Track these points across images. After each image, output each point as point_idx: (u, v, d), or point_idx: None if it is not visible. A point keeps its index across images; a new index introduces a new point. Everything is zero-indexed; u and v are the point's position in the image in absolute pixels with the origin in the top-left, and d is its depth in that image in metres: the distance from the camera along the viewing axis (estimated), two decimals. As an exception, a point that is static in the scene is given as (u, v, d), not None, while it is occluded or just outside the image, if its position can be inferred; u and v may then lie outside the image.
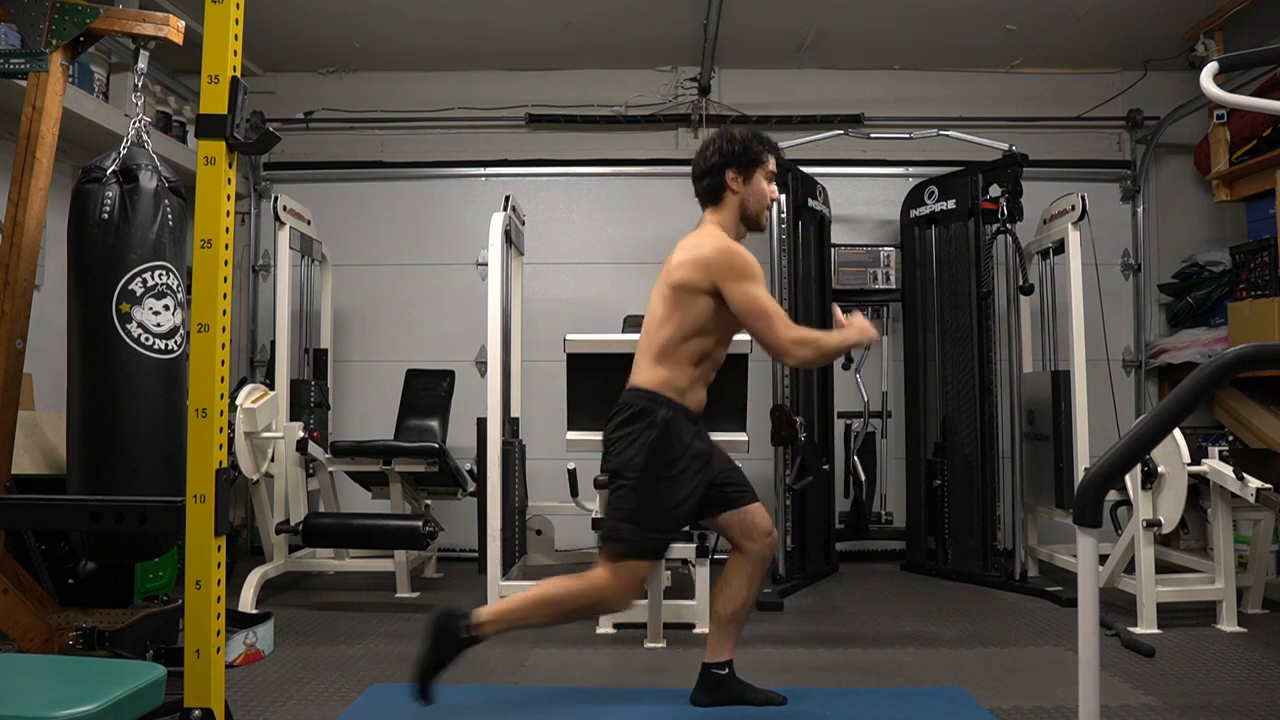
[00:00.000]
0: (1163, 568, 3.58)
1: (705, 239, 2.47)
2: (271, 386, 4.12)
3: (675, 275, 2.42)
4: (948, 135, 4.52)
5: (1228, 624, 3.42)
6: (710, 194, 2.57)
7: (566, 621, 2.48)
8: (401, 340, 5.11)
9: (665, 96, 5.18)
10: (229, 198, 1.87)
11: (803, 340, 2.42)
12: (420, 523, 3.69)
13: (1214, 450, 3.43)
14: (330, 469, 4.23)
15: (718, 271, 2.39)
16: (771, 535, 2.56)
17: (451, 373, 4.72)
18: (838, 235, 4.90)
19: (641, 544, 2.39)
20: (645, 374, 2.45)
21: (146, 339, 2.35)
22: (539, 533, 4.25)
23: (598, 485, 3.72)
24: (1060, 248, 4.22)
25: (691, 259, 2.42)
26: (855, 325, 2.51)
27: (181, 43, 2.58)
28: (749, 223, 2.58)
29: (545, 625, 2.49)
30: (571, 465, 3.67)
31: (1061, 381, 4.15)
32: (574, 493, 3.79)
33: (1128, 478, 3.42)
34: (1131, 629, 3.33)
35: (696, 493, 2.43)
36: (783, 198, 4.27)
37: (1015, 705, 2.62)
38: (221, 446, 1.84)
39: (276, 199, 4.18)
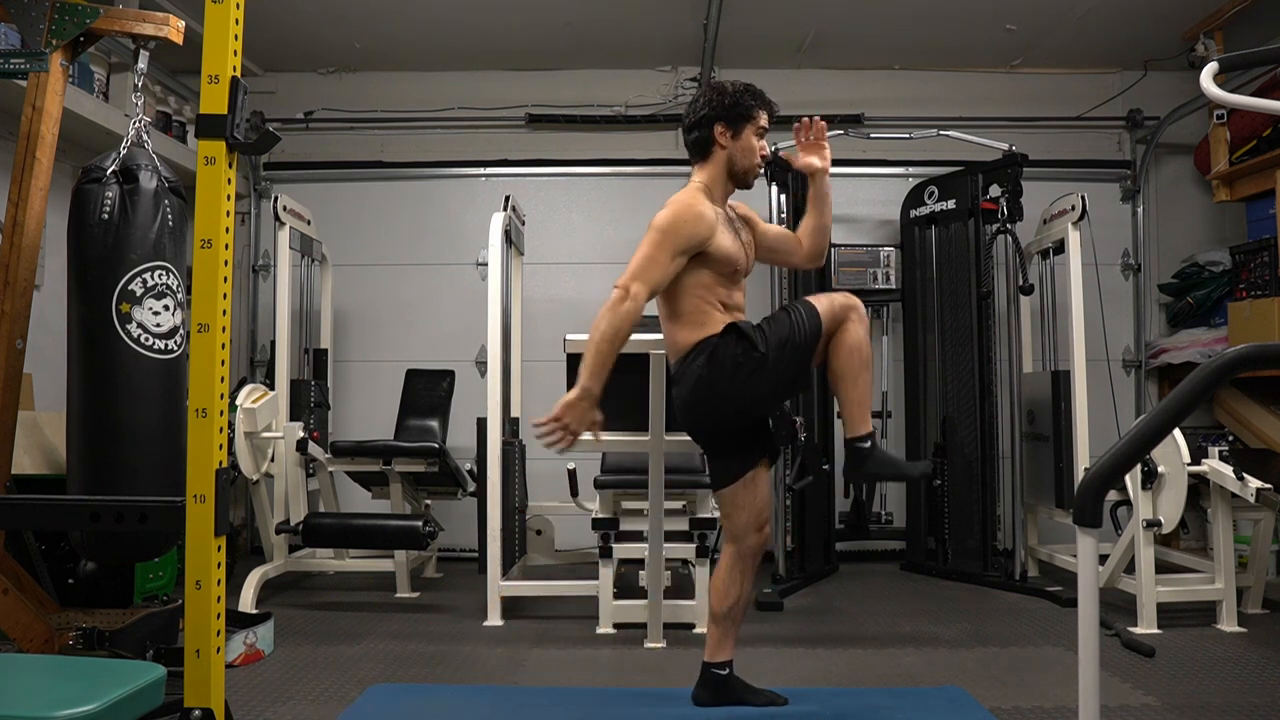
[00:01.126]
0: (1163, 568, 3.58)
1: (667, 204, 2.45)
2: (271, 386, 4.12)
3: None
4: (948, 135, 4.52)
5: (1228, 624, 3.42)
6: (698, 148, 2.52)
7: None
8: (401, 340, 5.11)
9: (665, 96, 5.17)
10: (229, 198, 1.87)
11: (625, 299, 2.34)
12: (420, 523, 3.69)
13: (1214, 450, 3.43)
14: (330, 469, 4.23)
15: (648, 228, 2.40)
16: (768, 527, 2.57)
17: (451, 373, 4.72)
18: (838, 235, 4.89)
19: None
20: (670, 349, 2.52)
21: (146, 339, 2.35)
22: (539, 533, 4.25)
23: (598, 485, 3.73)
24: (1060, 248, 4.22)
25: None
26: (569, 401, 2.33)
27: (181, 43, 2.58)
28: (736, 179, 2.53)
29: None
30: (571, 465, 3.67)
31: (1061, 381, 4.15)
32: (574, 493, 3.79)
33: (1128, 478, 3.42)
34: (1131, 629, 3.33)
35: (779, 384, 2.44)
36: (782, 198, 4.28)
37: (1015, 705, 2.62)
38: (221, 446, 1.84)
39: (276, 199, 4.18)
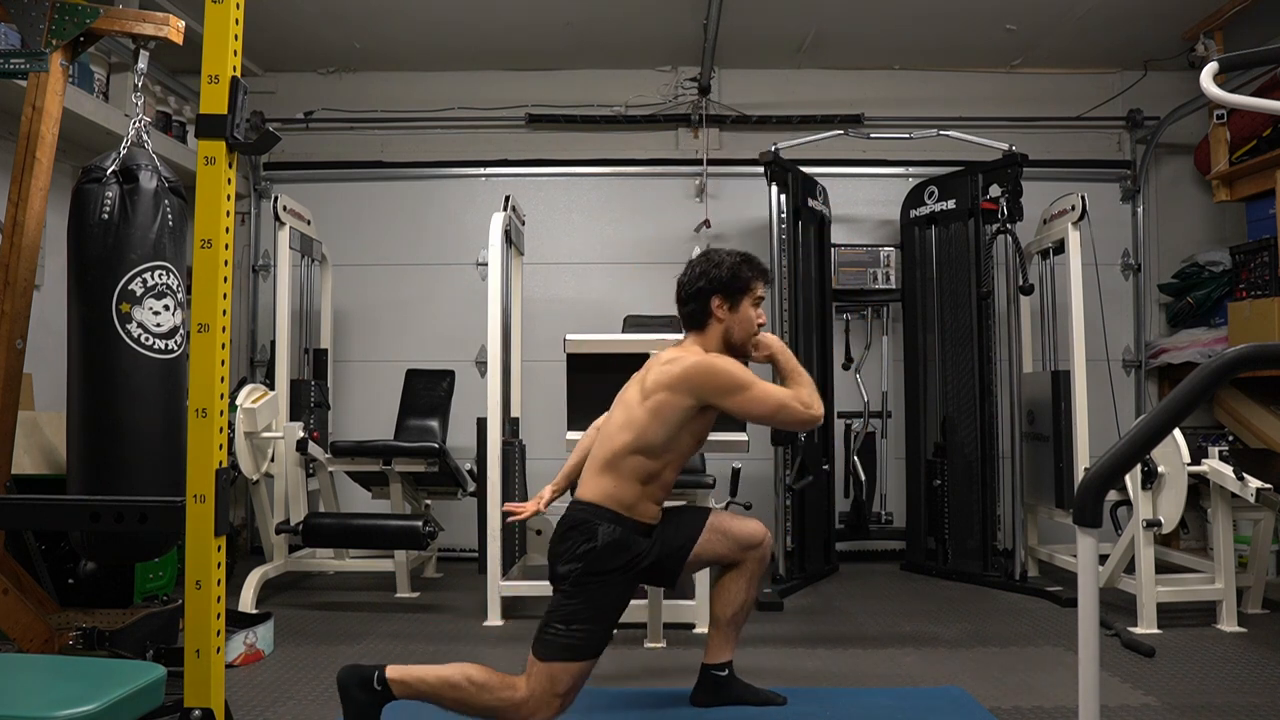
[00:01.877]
0: (1163, 568, 3.58)
1: (683, 353, 2.40)
2: (271, 386, 4.12)
3: (654, 398, 2.32)
4: (948, 135, 4.52)
5: (1228, 624, 3.42)
6: (694, 320, 2.47)
7: (477, 716, 2.20)
8: (401, 340, 5.11)
9: (665, 96, 5.17)
10: (229, 198, 1.87)
11: (806, 391, 2.38)
12: (420, 523, 3.69)
13: (1214, 450, 3.43)
14: (330, 469, 4.23)
15: (707, 388, 2.31)
16: (767, 535, 2.55)
17: (451, 373, 4.72)
18: (838, 235, 4.90)
19: (575, 645, 2.23)
20: (590, 486, 2.36)
21: (146, 339, 2.35)
22: (539, 533, 4.24)
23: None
24: (1060, 248, 4.22)
25: (672, 377, 2.32)
26: (767, 341, 2.48)
27: (181, 43, 2.58)
28: (734, 352, 2.46)
29: (453, 710, 2.20)
30: (571, 465, 3.67)
31: (1061, 381, 4.15)
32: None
33: (1128, 478, 3.41)
34: (1131, 629, 3.33)
35: (631, 595, 2.38)
36: (783, 198, 4.28)
37: (1015, 705, 2.62)
38: (221, 446, 1.84)
39: (276, 199, 4.18)
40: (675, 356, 2.39)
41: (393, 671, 2.19)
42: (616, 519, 2.31)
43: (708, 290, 2.43)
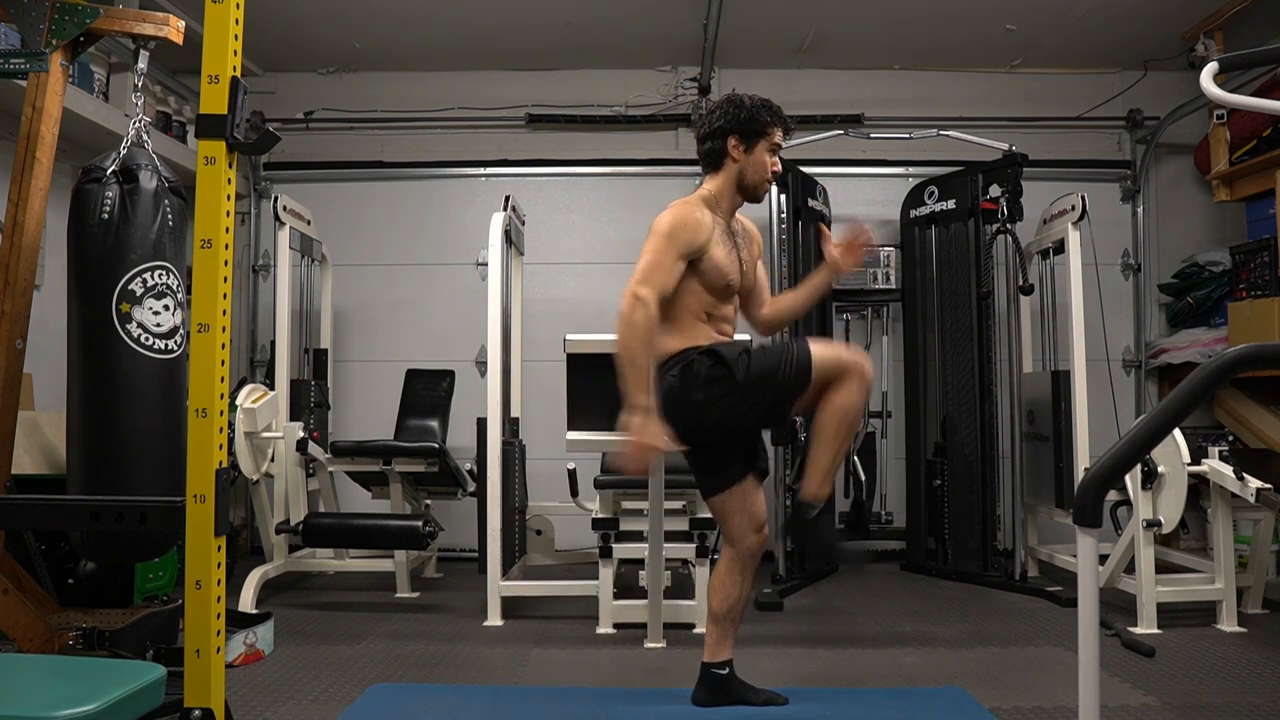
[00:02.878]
0: (1163, 568, 3.58)
1: (669, 208, 2.44)
2: (271, 386, 4.12)
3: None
4: (948, 135, 4.52)
5: (1228, 624, 3.42)
6: (710, 159, 2.52)
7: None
8: (401, 340, 5.11)
9: (665, 96, 5.17)
10: (229, 198, 1.87)
11: (637, 305, 2.27)
12: (420, 523, 3.69)
13: (1214, 450, 3.43)
14: (330, 469, 4.23)
15: (649, 233, 2.38)
16: (766, 528, 2.56)
17: (451, 373, 4.72)
18: (838, 235, 4.89)
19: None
20: (671, 342, 2.42)
21: (146, 339, 2.35)
22: (539, 533, 4.25)
23: (598, 485, 3.73)
24: (1060, 248, 4.22)
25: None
26: (634, 425, 2.30)
27: (181, 43, 2.58)
28: (746, 193, 2.53)
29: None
30: (571, 465, 3.67)
31: (1061, 381, 4.15)
32: (574, 493, 3.78)
33: (1128, 478, 3.42)
34: (1131, 629, 3.33)
35: (739, 414, 2.39)
36: (783, 198, 4.28)
37: (1015, 705, 2.62)
38: (221, 446, 1.84)
39: (276, 199, 4.18)
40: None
41: (811, 490, 2.44)
42: (677, 360, 2.38)
43: (725, 129, 2.47)
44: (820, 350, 2.34)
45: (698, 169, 2.66)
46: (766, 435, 2.84)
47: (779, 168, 2.54)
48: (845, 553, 2.80)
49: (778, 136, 2.51)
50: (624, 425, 2.28)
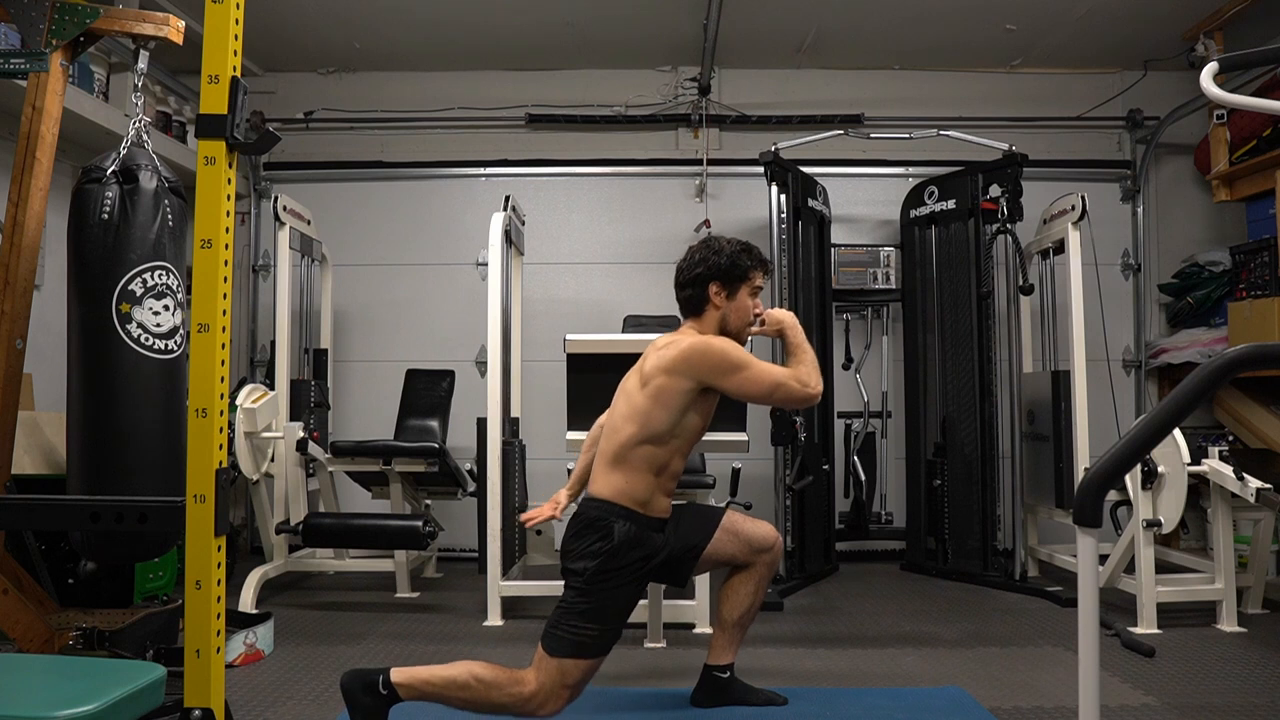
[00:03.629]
0: (1163, 568, 3.58)
1: (679, 337, 2.39)
2: (271, 386, 4.12)
3: (654, 383, 2.31)
4: (948, 135, 4.52)
5: (1228, 624, 3.42)
6: (691, 305, 2.46)
7: (486, 714, 2.21)
8: (401, 340, 5.11)
9: (665, 96, 5.17)
10: (229, 198, 1.87)
11: (805, 369, 2.36)
12: (420, 523, 3.69)
13: (1214, 450, 3.43)
14: (330, 469, 4.23)
15: (703, 369, 2.29)
16: (778, 539, 2.55)
17: (451, 373, 4.72)
18: (838, 235, 4.90)
19: (586, 642, 2.22)
20: (601, 482, 2.34)
21: (146, 339, 2.35)
22: (539, 533, 4.24)
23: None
24: (1060, 248, 4.22)
25: (670, 360, 2.30)
26: (779, 316, 2.48)
27: (181, 43, 2.58)
28: (728, 338, 2.44)
29: (462, 709, 2.21)
30: (571, 465, 3.67)
31: (1061, 381, 4.15)
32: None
33: (1128, 478, 3.41)
34: (1131, 629, 3.33)
35: (641, 593, 2.39)
36: (783, 198, 4.28)
37: (1015, 705, 2.62)
38: (221, 446, 1.84)
39: (276, 199, 4.18)
40: (672, 340, 2.38)
41: (398, 675, 2.19)
42: (630, 515, 2.30)
43: (706, 276, 2.42)
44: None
45: (697, 169, 2.66)
46: (760, 431, 2.83)
47: (761, 310, 2.49)
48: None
49: (759, 279, 2.47)
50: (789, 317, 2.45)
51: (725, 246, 2.44)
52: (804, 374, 2.35)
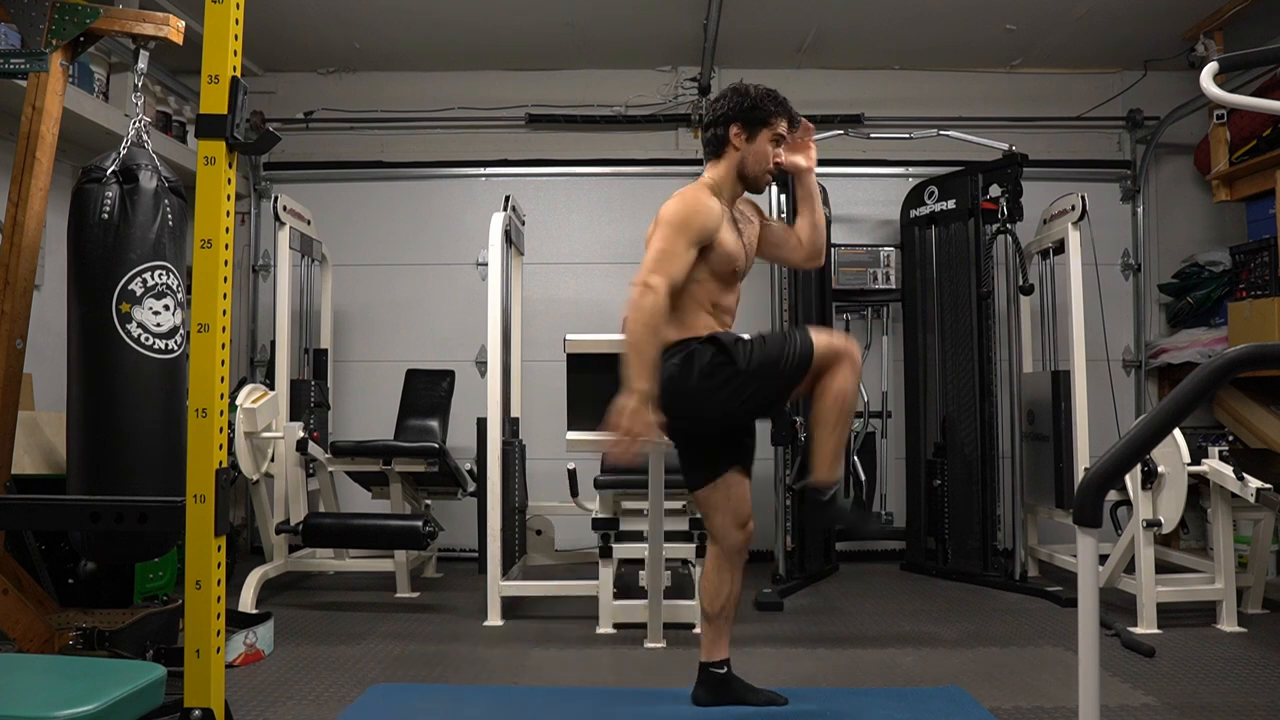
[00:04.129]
0: (1163, 568, 3.57)
1: (674, 196, 2.44)
2: (271, 386, 4.12)
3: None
4: (948, 135, 4.52)
5: (1228, 624, 3.42)
6: (712, 145, 2.52)
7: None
8: (401, 340, 5.11)
9: (665, 96, 5.17)
10: (229, 198, 1.87)
11: (646, 293, 2.26)
12: (420, 523, 3.69)
13: (1214, 450, 3.43)
14: (330, 469, 4.23)
15: (656, 223, 2.38)
16: (751, 525, 2.55)
17: (451, 373, 4.72)
18: (838, 235, 4.90)
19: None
20: (673, 333, 2.40)
21: (146, 339, 2.35)
22: (539, 533, 4.25)
23: (598, 485, 3.73)
24: (1060, 248, 4.22)
25: (657, 216, 2.41)
26: (628, 409, 2.24)
27: (181, 43, 2.58)
28: (746, 182, 2.52)
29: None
30: (571, 465, 3.67)
31: (1061, 381, 4.15)
32: (574, 493, 3.78)
33: (1128, 478, 3.41)
34: (1131, 629, 3.33)
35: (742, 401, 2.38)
36: (782, 197, 4.28)
37: (1015, 705, 2.62)
38: (221, 446, 1.84)
39: (276, 199, 4.18)
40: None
41: (821, 476, 2.40)
42: (679, 349, 2.36)
43: (728, 116, 2.46)
44: (818, 338, 2.36)
45: (698, 169, 2.66)
46: (760, 431, 2.83)
47: (782, 158, 2.52)
48: (866, 528, 2.80)
49: (781, 127, 2.49)
50: (617, 410, 2.22)
51: (752, 91, 2.48)
52: (650, 287, 2.25)
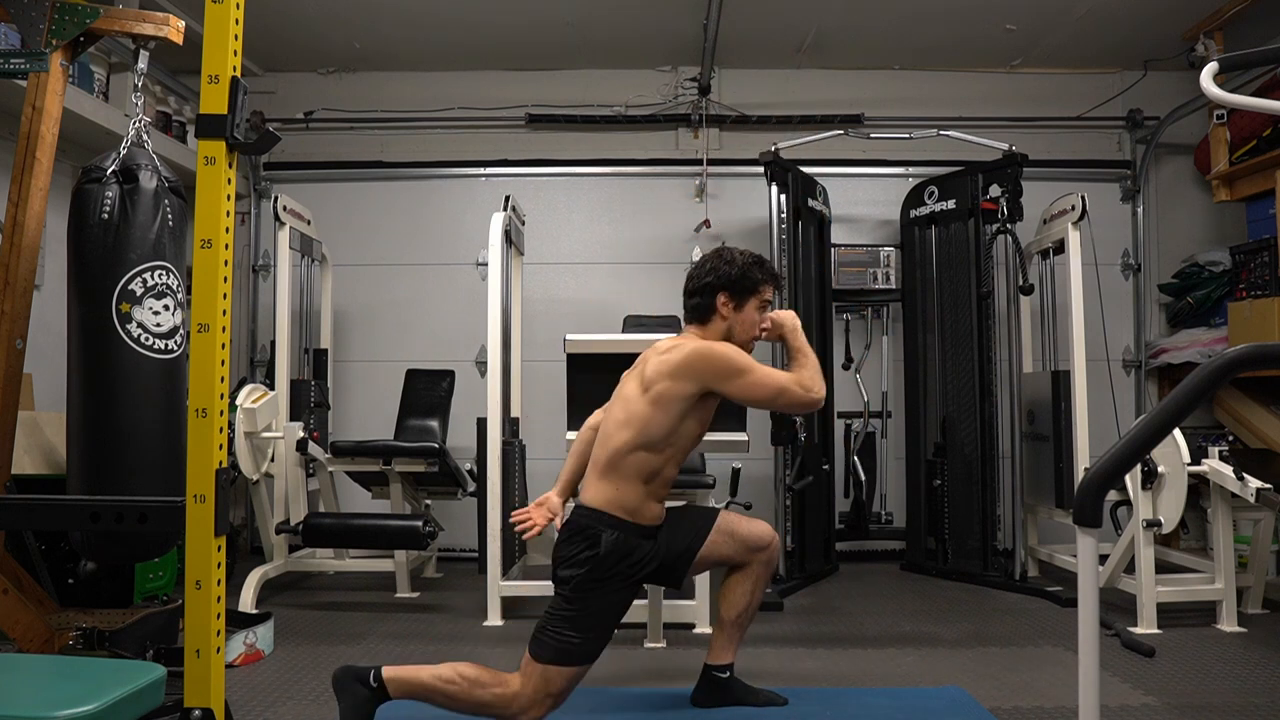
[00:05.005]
0: (1163, 568, 3.58)
1: (682, 341, 2.38)
2: (271, 386, 4.12)
3: (655, 388, 2.30)
4: (948, 135, 4.52)
5: (1228, 624, 3.42)
6: (698, 313, 2.46)
7: (469, 713, 2.22)
8: (401, 340, 5.11)
9: (665, 96, 5.17)
10: (229, 198, 1.87)
11: (808, 374, 2.36)
12: (420, 523, 3.69)
13: (1214, 450, 3.43)
14: (330, 469, 4.23)
15: (707, 373, 2.29)
16: (774, 538, 2.54)
17: (451, 373, 4.72)
18: (838, 235, 4.90)
19: (571, 649, 2.23)
20: (592, 490, 2.35)
21: (146, 339, 2.35)
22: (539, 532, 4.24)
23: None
24: (1060, 248, 4.22)
25: (674, 363, 2.30)
26: (780, 319, 2.47)
27: (181, 43, 2.58)
28: None
29: (448, 708, 2.22)
30: (571, 465, 3.66)
31: (1061, 381, 4.15)
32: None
33: (1128, 478, 3.41)
34: (1131, 629, 3.33)
35: (631, 599, 2.37)
36: (783, 198, 4.28)
37: (1015, 705, 2.62)
38: (221, 446, 1.84)
39: (276, 199, 4.18)
40: (674, 344, 2.38)
41: (389, 671, 2.21)
42: (619, 524, 2.30)
43: (716, 286, 2.43)
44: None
45: (697, 169, 2.66)
46: (760, 431, 2.83)
47: (768, 325, 2.48)
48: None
49: (768, 293, 2.47)
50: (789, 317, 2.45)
51: (738, 258, 2.44)
52: (807, 379, 2.35)
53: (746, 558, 2.51)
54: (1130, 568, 3.48)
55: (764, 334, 2.48)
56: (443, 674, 2.20)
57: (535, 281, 4.97)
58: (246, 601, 3.54)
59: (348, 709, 2.18)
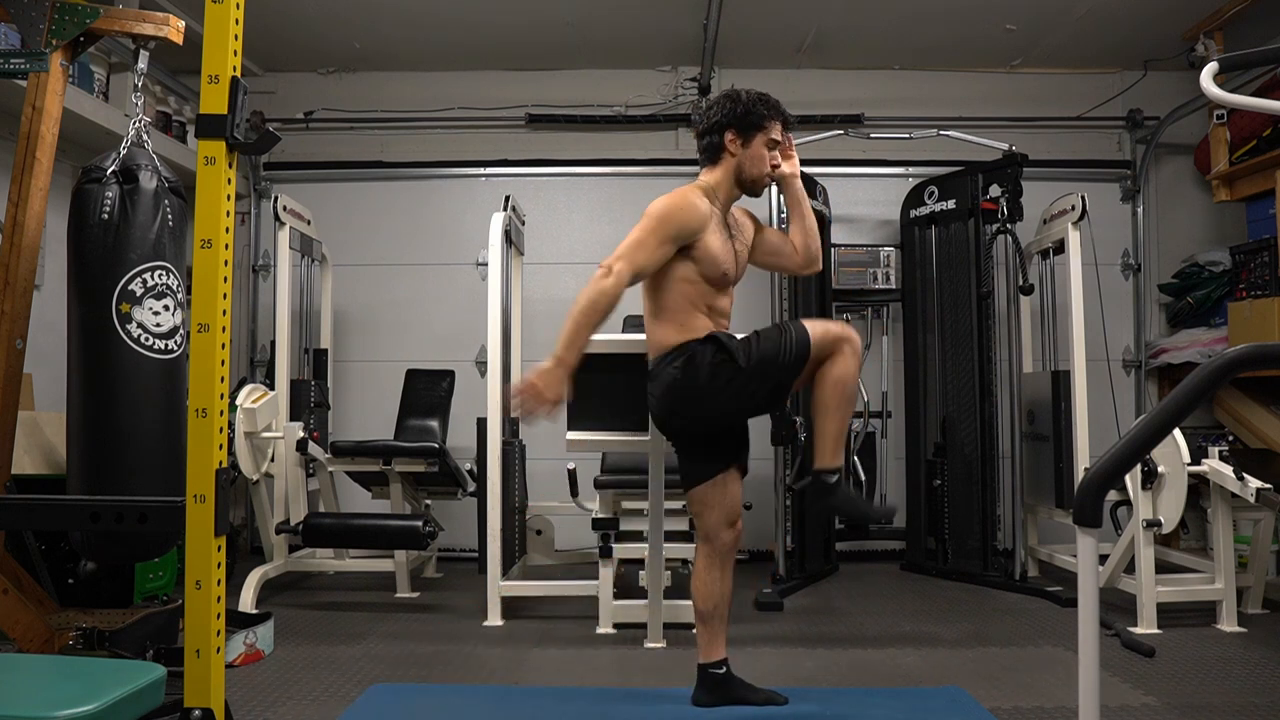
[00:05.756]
0: (1163, 568, 3.57)
1: (666, 194, 2.47)
2: (271, 386, 4.12)
3: None
4: (948, 135, 4.52)
5: (1228, 624, 3.42)
6: (708, 153, 2.54)
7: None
8: (401, 340, 5.11)
9: (665, 96, 5.17)
10: (229, 198, 1.87)
11: (607, 275, 2.34)
12: (420, 523, 3.69)
13: (1214, 450, 3.43)
14: (330, 469, 4.23)
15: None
16: (740, 524, 2.56)
17: (451, 373, 4.72)
18: (838, 235, 4.90)
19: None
20: (649, 343, 2.52)
21: (146, 339, 2.35)
22: (539, 533, 4.25)
23: (598, 485, 3.73)
24: (1060, 248, 4.22)
25: None
26: (544, 370, 2.35)
27: (181, 43, 2.58)
28: (744, 187, 2.55)
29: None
30: (571, 465, 3.67)
31: (1061, 381, 4.15)
32: (574, 493, 3.78)
33: (1128, 478, 3.41)
34: (1131, 629, 3.33)
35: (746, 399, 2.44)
36: (782, 198, 4.26)
37: (1015, 705, 2.62)
38: (221, 446, 1.84)
39: (276, 199, 4.18)
40: None
41: (826, 462, 2.42)
42: (679, 352, 2.41)
43: (722, 124, 2.49)
44: (814, 327, 2.39)
45: (698, 169, 2.66)
46: (760, 431, 2.86)
47: (778, 161, 2.54)
48: (871, 514, 2.87)
49: (775, 131, 2.52)
50: (536, 370, 2.30)
51: (743, 95, 2.52)
52: (614, 272, 2.35)
53: (719, 530, 2.52)
54: (1130, 568, 3.48)
55: (775, 170, 2.54)
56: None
57: (535, 281, 4.97)
58: (246, 601, 3.54)
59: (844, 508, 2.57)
